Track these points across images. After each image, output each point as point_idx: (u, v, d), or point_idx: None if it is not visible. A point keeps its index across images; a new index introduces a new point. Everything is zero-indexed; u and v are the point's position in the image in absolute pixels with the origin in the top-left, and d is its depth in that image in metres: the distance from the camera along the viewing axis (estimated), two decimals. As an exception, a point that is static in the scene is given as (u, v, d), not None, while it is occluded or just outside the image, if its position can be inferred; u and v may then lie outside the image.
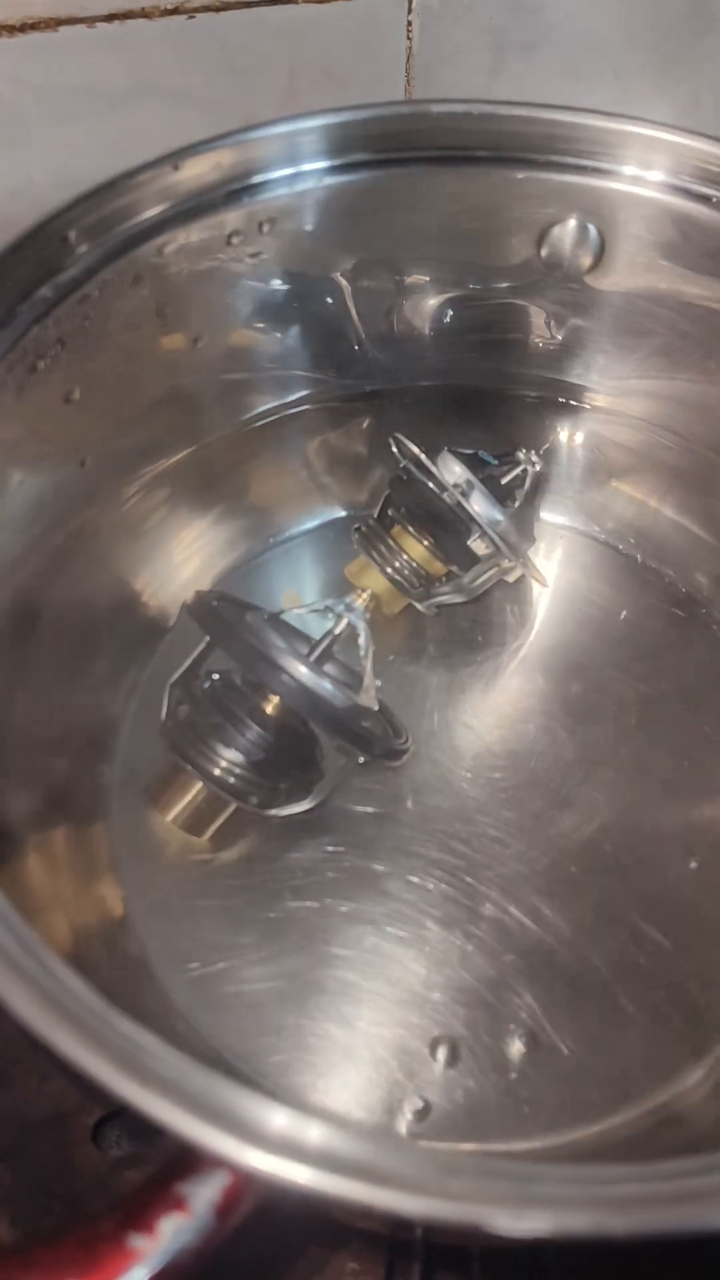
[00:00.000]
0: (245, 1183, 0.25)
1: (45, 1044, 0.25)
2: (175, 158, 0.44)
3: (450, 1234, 0.34)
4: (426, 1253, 0.41)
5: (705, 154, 0.46)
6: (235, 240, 0.47)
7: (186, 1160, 0.26)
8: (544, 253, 0.52)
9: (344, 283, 0.53)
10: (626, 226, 0.50)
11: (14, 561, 0.45)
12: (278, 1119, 0.25)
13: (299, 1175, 0.23)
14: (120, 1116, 0.44)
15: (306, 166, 0.47)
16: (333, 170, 0.48)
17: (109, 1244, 0.24)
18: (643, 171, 0.48)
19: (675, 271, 0.50)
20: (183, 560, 0.56)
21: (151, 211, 0.44)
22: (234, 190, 0.46)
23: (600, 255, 0.51)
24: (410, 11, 0.61)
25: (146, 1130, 0.42)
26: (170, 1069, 0.25)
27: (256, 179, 0.46)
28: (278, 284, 0.51)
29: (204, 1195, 0.25)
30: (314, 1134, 0.24)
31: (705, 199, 0.47)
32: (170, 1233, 0.25)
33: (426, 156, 0.48)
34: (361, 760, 0.49)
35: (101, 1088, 0.25)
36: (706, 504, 0.57)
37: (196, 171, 0.45)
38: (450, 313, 0.56)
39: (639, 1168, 0.24)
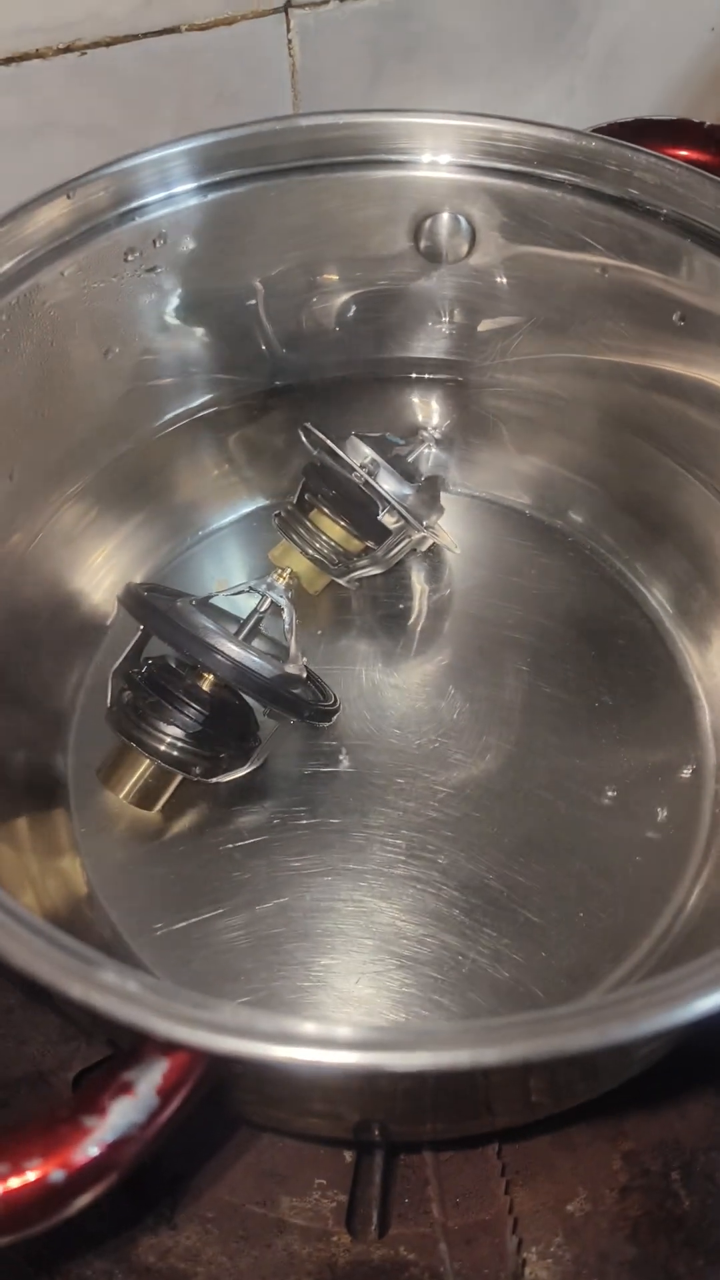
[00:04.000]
0: (183, 1065, 0.29)
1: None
2: (67, 187, 0.48)
3: (360, 1092, 0.37)
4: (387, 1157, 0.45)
5: (547, 141, 0.51)
6: (131, 257, 0.52)
7: (134, 1053, 0.30)
8: (422, 245, 0.56)
9: (245, 287, 0.57)
10: (492, 214, 0.54)
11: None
12: (200, 1004, 0.29)
13: (216, 1043, 0.27)
14: (97, 1069, 0.48)
15: (182, 187, 0.52)
16: (210, 187, 0.52)
17: (65, 1124, 0.28)
18: (495, 163, 0.52)
19: (540, 250, 0.54)
20: (115, 561, 0.59)
21: (50, 238, 0.48)
22: (124, 212, 0.50)
23: (474, 241, 0.55)
24: (289, 30, 0.66)
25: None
26: (109, 974, 0.29)
27: (142, 200, 0.51)
28: (178, 294, 0.55)
29: (148, 1079, 0.29)
30: (227, 1011, 0.28)
31: (558, 184, 0.52)
32: (118, 1112, 0.29)
33: (295, 166, 0.53)
34: (293, 723, 0.52)
35: (51, 988, 0.29)
36: (590, 459, 0.62)
37: (87, 199, 0.49)
38: (350, 309, 0.61)
39: (516, 1014, 0.28)
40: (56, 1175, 0.28)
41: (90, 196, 0.49)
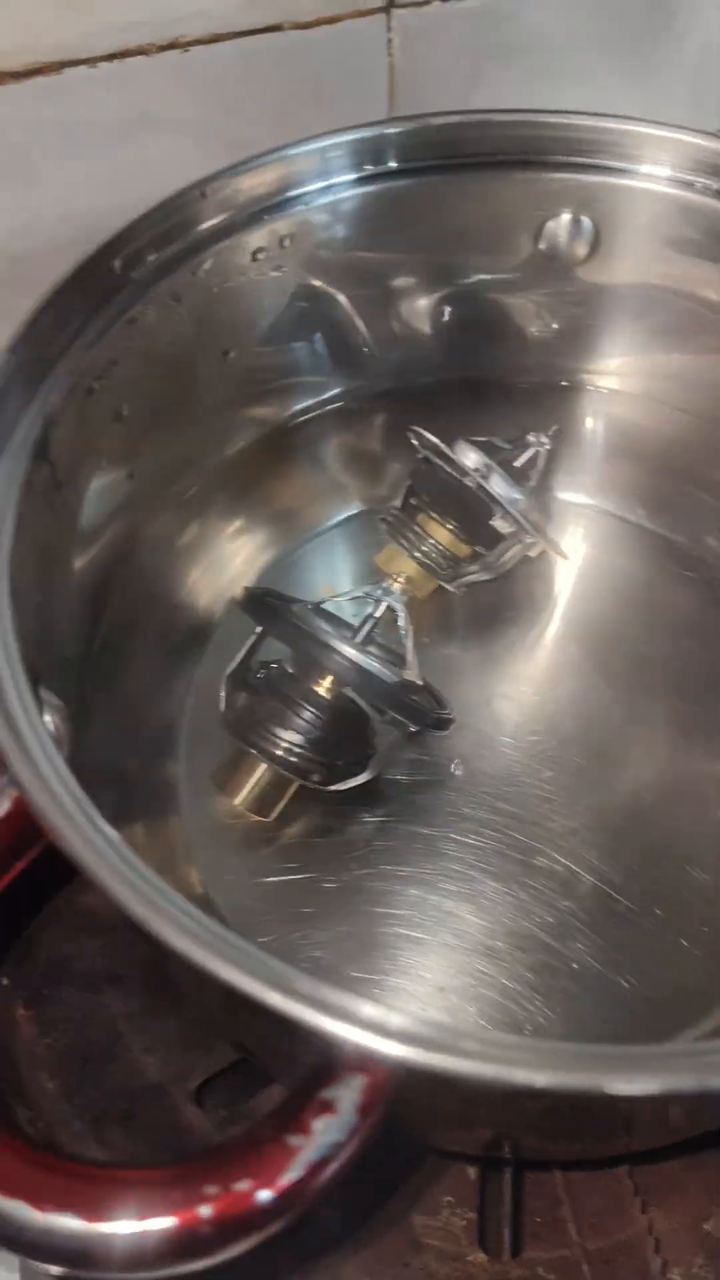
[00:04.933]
0: (382, 1081, 0.29)
1: (206, 973, 0.28)
2: (201, 185, 0.47)
3: (559, 1118, 0.37)
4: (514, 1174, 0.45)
5: (687, 145, 0.50)
6: (260, 256, 0.51)
7: (328, 1069, 0.29)
8: (542, 245, 0.56)
9: (359, 290, 0.57)
10: (617, 216, 0.53)
11: (78, 576, 0.48)
12: (410, 1019, 0.28)
13: (436, 1061, 0.27)
14: (219, 1079, 0.47)
15: (316, 185, 0.51)
16: (348, 184, 0.52)
17: (271, 1144, 0.28)
18: (630, 165, 0.52)
19: (663, 255, 0.54)
20: (223, 563, 0.59)
21: (187, 236, 0.48)
22: (255, 211, 0.50)
23: (595, 244, 0.55)
24: (390, 30, 0.65)
25: (245, 1088, 0.46)
26: (305, 985, 0.29)
27: (279, 198, 0.50)
28: (298, 295, 0.55)
29: (348, 1097, 0.29)
30: (442, 1029, 0.27)
31: (688, 184, 0.51)
32: (321, 1130, 0.28)
33: (430, 165, 0.52)
34: (413, 730, 0.52)
35: (261, 1005, 0.28)
36: (708, 471, 0.61)
37: (222, 196, 0.48)
38: (454, 309, 0.60)
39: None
40: (264, 1195, 0.27)
41: (224, 193, 0.48)
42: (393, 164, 0.52)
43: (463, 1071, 0.27)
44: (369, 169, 0.52)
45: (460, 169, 0.53)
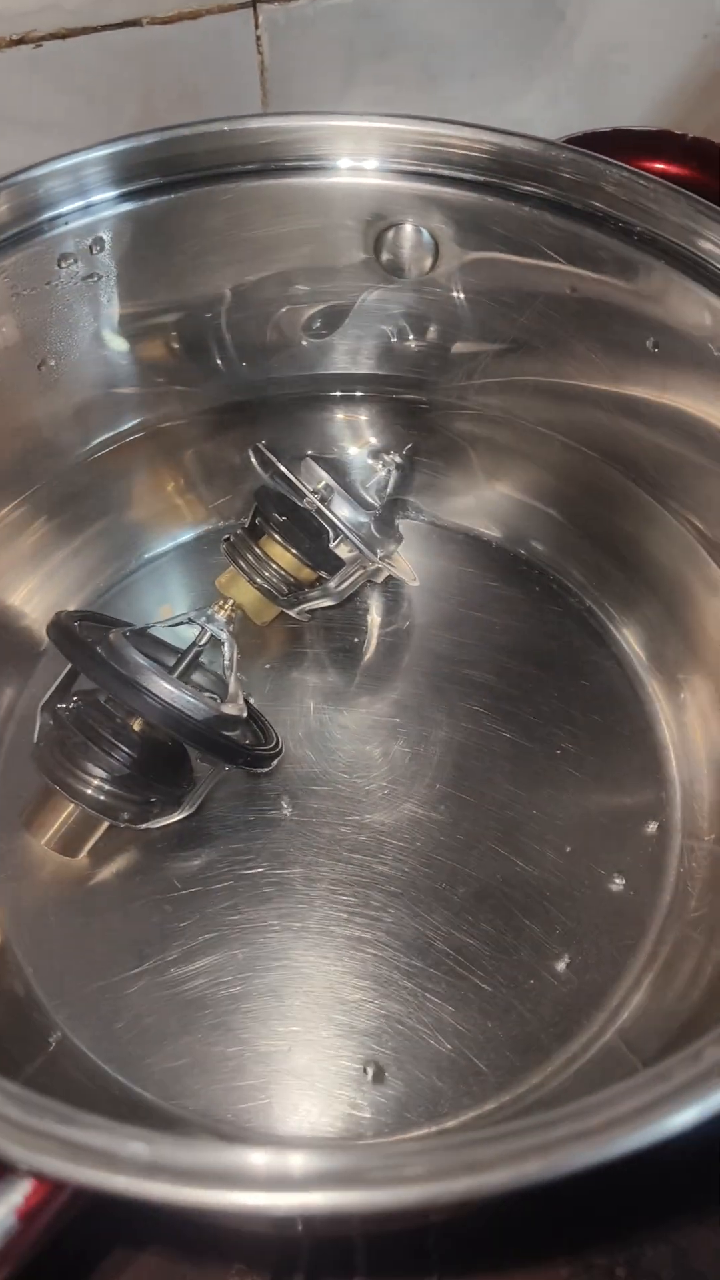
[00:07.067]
0: (52, 1187, 0.26)
1: None
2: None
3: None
4: (311, 1259, 0.42)
5: (513, 150, 0.47)
6: (66, 264, 0.48)
7: (-6, 1167, 0.26)
8: (384, 258, 0.53)
9: (195, 297, 0.54)
10: (451, 227, 0.50)
11: None
12: (68, 1120, 0.25)
13: (78, 1175, 0.24)
14: None
15: (121, 190, 0.48)
16: (153, 190, 0.48)
17: None
18: (460, 172, 0.49)
19: (504, 267, 0.51)
20: (54, 582, 0.56)
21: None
22: (54, 216, 0.46)
23: (436, 256, 0.52)
24: (258, 27, 0.62)
25: None
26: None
27: (73, 205, 0.47)
28: (121, 303, 0.52)
29: (6, 1201, 0.26)
30: (100, 1134, 0.25)
31: (524, 196, 0.48)
32: (-33, 1240, 0.25)
33: (245, 170, 0.49)
34: (227, 769, 0.49)
35: None
36: (559, 488, 0.58)
37: (12, 201, 0.45)
38: (308, 324, 0.57)
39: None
40: None
41: (16, 199, 0.45)
42: (208, 168, 0.49)
43: (109, 1187, 0.24)
44: (184, 174, 0.49)
45: (280, 172, 0.49)
